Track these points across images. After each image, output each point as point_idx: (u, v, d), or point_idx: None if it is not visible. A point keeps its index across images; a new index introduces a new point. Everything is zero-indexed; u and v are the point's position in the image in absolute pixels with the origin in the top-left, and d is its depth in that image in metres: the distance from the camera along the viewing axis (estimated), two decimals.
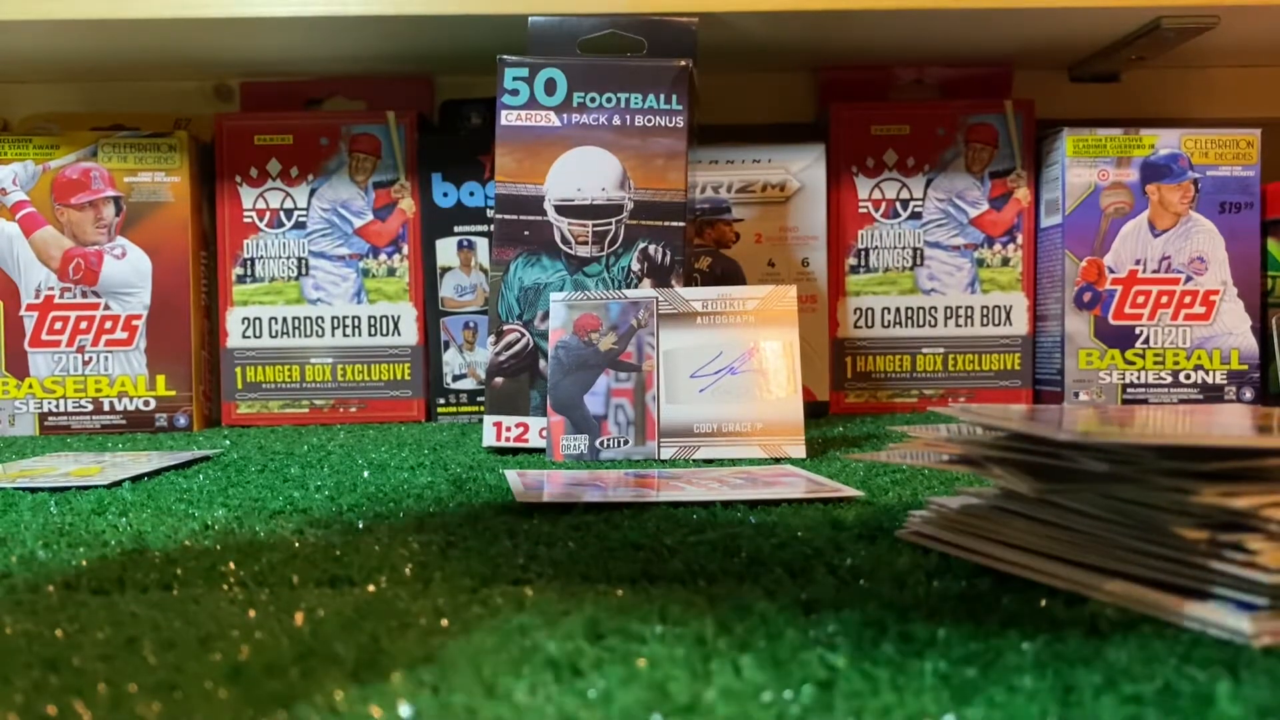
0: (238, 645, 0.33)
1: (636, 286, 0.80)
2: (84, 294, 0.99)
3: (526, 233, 0.80)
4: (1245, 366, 1.00)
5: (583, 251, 0.80)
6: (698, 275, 0.99)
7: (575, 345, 0.76)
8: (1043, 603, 0.37)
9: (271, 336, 1.03)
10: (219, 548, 0.47)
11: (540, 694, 0.29)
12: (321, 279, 1.03)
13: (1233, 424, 0.40)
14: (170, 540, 0.48)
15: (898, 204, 1.04)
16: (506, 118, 0.81)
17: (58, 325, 0.99)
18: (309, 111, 1.07)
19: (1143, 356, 1.00)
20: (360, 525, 0.51)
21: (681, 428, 0.75)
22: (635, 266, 0.80)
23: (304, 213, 1.03)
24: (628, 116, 0.80)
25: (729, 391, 0.75)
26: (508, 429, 0.80)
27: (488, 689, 0.29)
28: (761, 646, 0.32)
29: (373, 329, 1.03)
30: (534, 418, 0.80)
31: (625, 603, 0.38)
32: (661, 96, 0.80)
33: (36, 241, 0.99)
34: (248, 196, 1.03)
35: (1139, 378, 1.00)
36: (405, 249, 1.03)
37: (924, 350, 1.04)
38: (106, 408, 0.99)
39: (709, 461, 0.73)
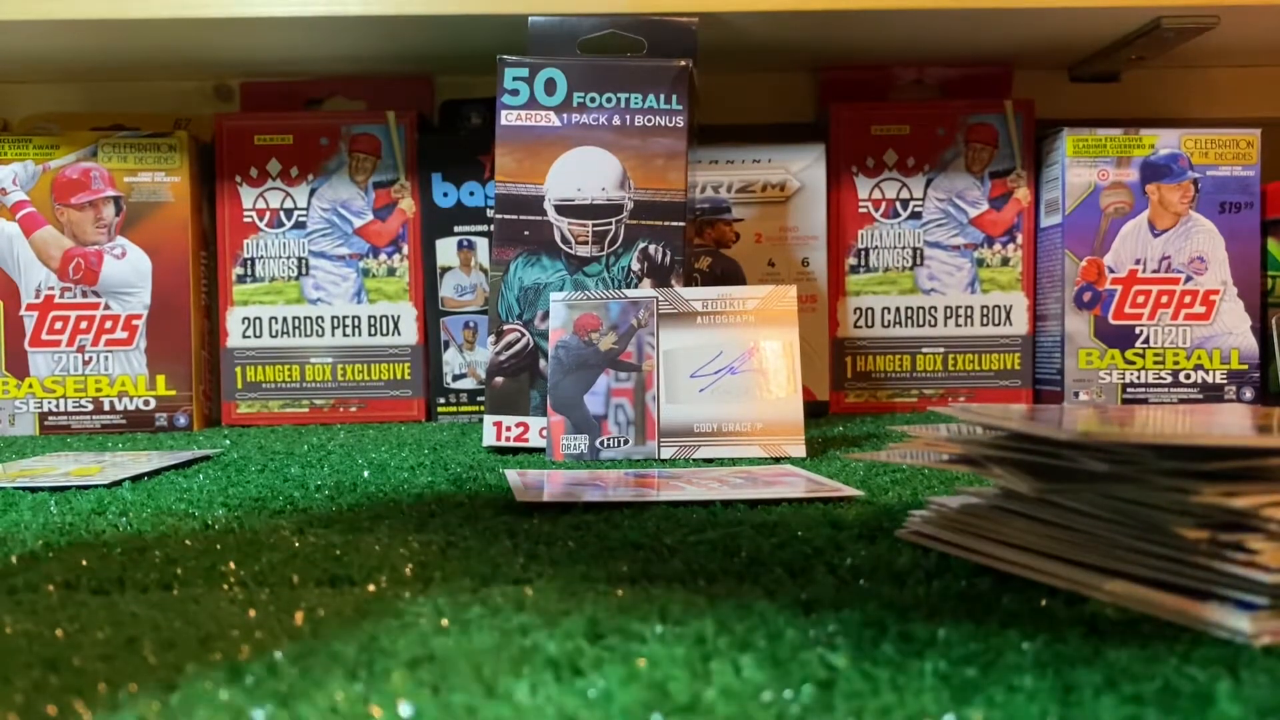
0: (238, 645, 0.33)
1: (636, 286, 0.80)
2: (84, 294, 0.99)
3: (526, 232, 0.80)
4: (1245, 366, 1.00)
5: (583, 251, 0.80)
6: (698, 275, 0.99)
7: (575, 345, 0.76)
8: (1043, 602, 0.37)
9: (271, 336, 1.03)
10: (219, 548, 0.47)
11: (540, 694, 0.29)
12: (321, 279, 1.03)
13: (1233, 424, 0.40)
14: (170, 540, 0.48)
15: (898, 204, 1.04)
16: (506, 118, 0.81)
17: (58, 325, 0.99)
18: (309, 111, 1.07)
19: (1143, 356, 1.00)
20: (360, 525, 0.51)
21: (681, 427, 0.75)
22: (635, 266, 0.80)
23: (304, 213, 1.03)
24: (628, 116, 0.80)
25: (729, 391, 0.75)
26: (508, 429, 0.80)
27: (488, 689, 0.29)
28: (761, 646, 0.32)
29: (373, 329, 1.03)
30: (534, 417, 0.80)
31: (625, 602, 0.38)
32: (661, 96, 0.80)
33: (36, 241, 0.99)
34: (248, 196, 1.03)
35: (1139, 377, 1.00)
36: (405, 249, 1.03)
37: (924, 350, 1.04)
38: (106, 407, 0.99)
39: (709, 461, 0.73)
